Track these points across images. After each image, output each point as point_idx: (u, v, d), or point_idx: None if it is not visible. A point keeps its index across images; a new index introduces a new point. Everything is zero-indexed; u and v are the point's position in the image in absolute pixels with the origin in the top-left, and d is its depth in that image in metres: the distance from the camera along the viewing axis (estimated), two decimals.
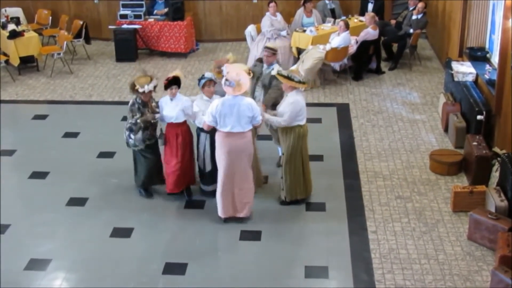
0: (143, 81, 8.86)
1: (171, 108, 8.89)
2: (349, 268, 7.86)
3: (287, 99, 8.78)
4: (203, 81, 8.90)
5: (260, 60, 10.03)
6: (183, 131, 9.02)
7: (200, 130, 9.06)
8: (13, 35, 14.32)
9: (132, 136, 9.07)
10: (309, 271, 7.83)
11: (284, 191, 9.12)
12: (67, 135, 11.53)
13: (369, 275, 7.73)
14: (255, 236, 8.53)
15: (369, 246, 8.29)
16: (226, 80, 8.19)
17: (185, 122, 9.03)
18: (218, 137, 8.50)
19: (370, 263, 7.94)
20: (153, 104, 9.10)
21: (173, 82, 8.80)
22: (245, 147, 8.51)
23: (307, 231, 8.65)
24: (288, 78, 8.68)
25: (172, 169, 9.05)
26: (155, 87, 8.96)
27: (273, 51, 9.74)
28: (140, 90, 8.82)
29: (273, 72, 9.07)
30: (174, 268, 7.91)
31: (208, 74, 8.96)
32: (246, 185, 8.71)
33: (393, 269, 7.83)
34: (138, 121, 8.96)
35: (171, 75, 8.88)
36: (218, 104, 8.29)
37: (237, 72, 8.30)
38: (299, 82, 8.69)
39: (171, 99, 8.91)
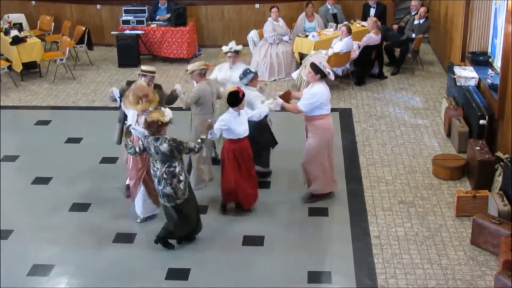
0: (159, 113, 7.85)
1: (239, 123, 8.68)
2: (352, 273, 7.85)
3: (238, 71, 9.75)
4: (251, 75, 9.31)
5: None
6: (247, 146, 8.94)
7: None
8: (16, 41, 14.36)
9: (181, 180, 8.04)
10: (312, 276, 7.82)
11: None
12: (70, 140, 11.55)
13: (372, 280, 7.73)
14: (258, 241, 8.52)
15: (372, 251, 8.28)
16: (329, 71, 8.86)
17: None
18: (326, 122, 9.05)
19: (373, 268, 7.93)
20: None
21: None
22: None
23: (310, 236, 8.64)
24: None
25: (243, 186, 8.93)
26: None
27: (152, 74, 9.31)
28: (167, 119, 7.83)
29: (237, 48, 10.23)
30: (177, 274, 7.91)
31: (252, 68, 9.47)
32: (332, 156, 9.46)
33: (396, 274, 7.81)
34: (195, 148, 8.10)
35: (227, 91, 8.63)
36: (319, 92, 8.84)
37: (325, 62, 9.13)
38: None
39: (238, 113, 8.64)
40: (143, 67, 9.40)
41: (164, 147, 7.74)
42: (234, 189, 8.87)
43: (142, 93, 8.40)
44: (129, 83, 9.40)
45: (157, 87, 9.39)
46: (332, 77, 9.00)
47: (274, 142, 9.94)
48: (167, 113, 7.92)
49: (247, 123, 8.78)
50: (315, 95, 8.85)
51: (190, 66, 9.54)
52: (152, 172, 8.05)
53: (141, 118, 8.37)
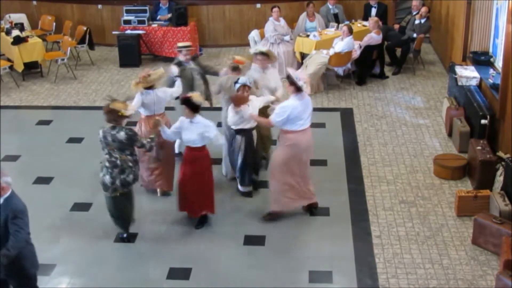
0: (122, 105, 8.19)
1: (188, 131, 8.52)
2: (353, 273, 7.85)
3: (273, 73, 9.97)
4: (237, 86, 8.87)
5: (179, 64, 10.23)
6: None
7: (236, 132, 9.16)
8: (17, 41, 14.36)
9: (134, 170, 8.37)
10: (313, 276, 7.83)
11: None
12: (71, 140, 11.56)
13: (373, 280, 7.73)
14: (259, 241, 8.53)
15: (373, 251, 8.28)
16: (304, 82, 8.39)
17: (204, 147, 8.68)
18: (298, 138, 8.55)
19: (374, 268, 7.94)
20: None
21: (185, 102, 8.44)
22: (311, 141, 8.81)
23: (311, 236, 8.65)
24: (267, 54, 9.86)
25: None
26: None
27: (189, 48, 10.32)
28: (127, 113, 8.16)
29: (252, 51, 10.07)
30: (178, 273, 7.92)
31: (242, 79, 8.91)
32: (307, 172, 8.95)
33: (397, 274, 7.82)
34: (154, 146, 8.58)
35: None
36: (290, 106, 8.38)
37: (304, 75, 8.65)
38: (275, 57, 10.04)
39: (190, 121, 8.49)
40: (179, 44, 10.35)
41: (121, 135, 8.08)
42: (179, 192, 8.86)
43: (144, 73, 9.15)
44: (178, 64, 10.16)
45: (194, 58, 10.50)
46: (307, 90, 8.52)
47: (254, 163, 9.59)
48: (131, 108, 8.33)
49: (195, 135, 8.43)
50: (284, 109, 8.41)
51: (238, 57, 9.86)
52: (108, 164, 8.18)
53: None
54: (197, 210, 8.84)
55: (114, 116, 8.09)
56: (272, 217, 8.98)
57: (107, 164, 8.19)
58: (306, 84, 8.47)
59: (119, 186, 8.20)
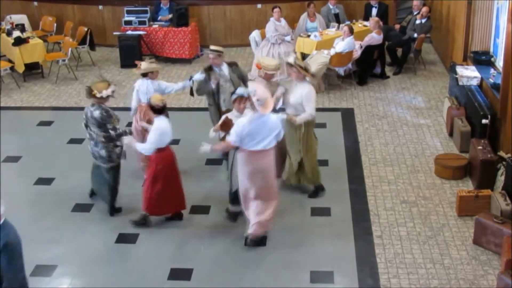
0: (101, 86, 8.70)
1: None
2: (354, 273, 7.85)
3: (301, 90, 8.92)
4: (234, 97, 8.43)
5: (208, 69, 10.11)
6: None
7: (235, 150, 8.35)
8: (18, 42, 14.37)
9: (118, 145, 8.95)
10: (315, 276, 7.83)
11: (307, 180, 9.49)
12: (72, 141, 11.55)
13: (375, 280, 7.73)
14: (260, 241, 8.51)
15: (374, 250, 8.28)
16: (258, 100, 7.85)
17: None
18: (246, 157, 8.06)
19: (376, 268, 7.94)
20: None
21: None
22: (273, 163, 8.23)
23: (312, 236, 8.65)
24: (304, 69, 8.94)
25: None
26: (113, 92, 8.85)
27: (218, 53, 10.04)
28: (98, 95, 8.62)
29: (290, 60, 9.06)
30: (180, 274, 7.92)
31: (239, 90, 8.38)
32: (272, 196, 8.37)
33: (398, 274, 7.82)
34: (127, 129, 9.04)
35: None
36: (245, 124, 7.89)
37: (263, 90, 8.11)
38: (312, 74, 9.14)
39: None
40: (211, 46, 10.24)
41: (96, 113, 8.67)
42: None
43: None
44: (207, 70, 10.10)
45: (233, 64, 10.36)
46: (259, 110, 7.85)
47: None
48: (107, 91, 8.69)
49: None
50: (238, 126, 7.94)
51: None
52: (88, 136, 9.03)
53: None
54: (165, 209, 8.89)
55: (89, 95, 8.70)
56: (252, 243, 8.48)
57: (87, 135, 9.06)
58: (264, 103, 7.86)
59: (93, 156, 9.05)
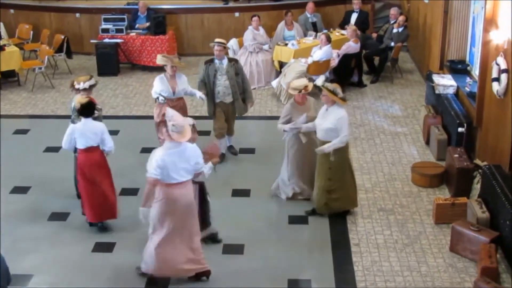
0: (82, 79, 9.31)
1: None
2: (332, 281, 7.85)
3: (334, 114, 8.65)
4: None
5: (209, 62, 10.56)
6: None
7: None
8: None
9: None
10: (292, 284, 7.82)
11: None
12: (49, 149, 11.47)
13: (352, 287, 7.74)
14: (238, 249, 8.50)
15: (351, 258, 8.29)
16: (173, 125, 7.19)
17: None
18: (162, 192, 7.37)
19: (353, 276, 7.94)
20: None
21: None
22: (192, 197, 7.63)
23: (290, 244, 8.64)
24: (333, 92, 8.59)
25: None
26: (91, 86, 9.32)
27: (224, 45, 10.48)
28: (76, 86, 9.19)
29: (318, 83, 9.01)
30: (157, 283, 7.87)
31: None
32: (196, 241, 7.74)
33: (376, 282, 7.83)
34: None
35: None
36: (161, 154, 7.25)
37: (182, 118, 7.47)
38: (342, 98, 8.69)
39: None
40: (217, 39, 10.53)
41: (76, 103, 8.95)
42: None
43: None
44: (208, 62, 10.57)
45: (234, 60, 10.85)
46: (178, 138, 7.22)
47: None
48: (84, 84, 9.17)
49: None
50: (155, 158, 7.30)
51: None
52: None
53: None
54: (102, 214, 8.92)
55: (71, 86, 9.37)
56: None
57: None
58: (181, 131, 7.24)
59: None
